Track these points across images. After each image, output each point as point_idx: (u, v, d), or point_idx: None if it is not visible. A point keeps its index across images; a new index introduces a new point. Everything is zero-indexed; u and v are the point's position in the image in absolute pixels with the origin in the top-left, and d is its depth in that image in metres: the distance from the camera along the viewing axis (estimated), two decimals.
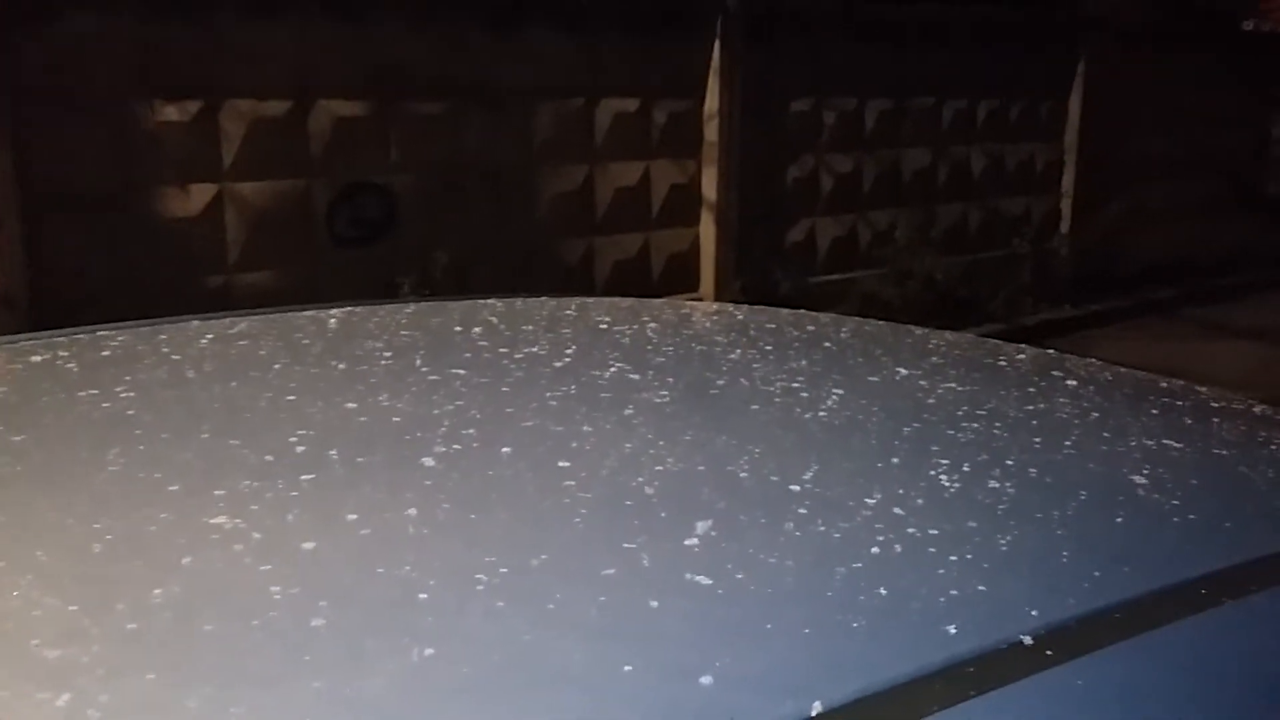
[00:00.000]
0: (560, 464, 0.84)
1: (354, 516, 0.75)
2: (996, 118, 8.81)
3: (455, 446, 0.87)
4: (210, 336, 1.24)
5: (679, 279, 7.04)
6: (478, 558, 0.69)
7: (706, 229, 7.13)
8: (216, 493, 0.78)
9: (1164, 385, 1.27)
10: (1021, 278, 8.50)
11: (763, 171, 7.35)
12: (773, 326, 1.41)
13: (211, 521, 0.74)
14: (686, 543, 0.71)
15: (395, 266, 5.69)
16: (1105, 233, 9.25)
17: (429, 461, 0.83)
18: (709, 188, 7.06)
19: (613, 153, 6.65)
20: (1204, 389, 1.28)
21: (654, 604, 0.65)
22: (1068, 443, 0.97)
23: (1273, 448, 1.07)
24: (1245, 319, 8.75)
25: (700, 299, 7.02)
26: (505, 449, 0.87)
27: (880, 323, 1.53)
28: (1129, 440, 1.00)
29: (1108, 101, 9.35)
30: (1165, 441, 0.99)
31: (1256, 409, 1.23)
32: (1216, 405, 1.21)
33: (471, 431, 0.91)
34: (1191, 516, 0.83)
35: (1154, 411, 1.15)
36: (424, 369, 1.09)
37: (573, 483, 0.81)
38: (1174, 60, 9.94)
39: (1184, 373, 5.17)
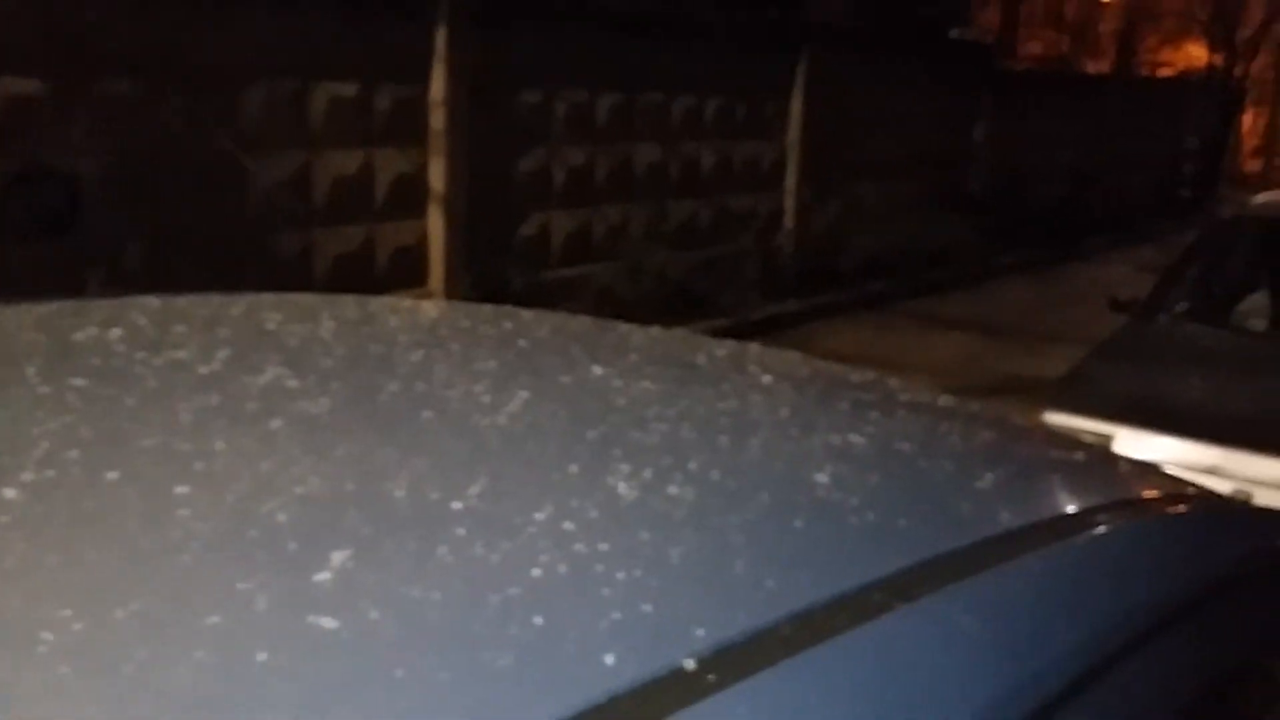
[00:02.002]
0: (178, 490, 0.72)
1: None
2: (724, 115, 8.99)
3: (48, 473, 0.74)
4: None
5: (406, 274, 6.76)
6: (47, 611, 0.58)
7: (435, 222, 6.88)
8: None
9: (855, 379, 1.26)
10: (750, 273, 8.71)
11: (493, 162, 7.17)
12: (467, 324, 1.31)
13: None
14: (316, 579, 0.63)
15: (82, 260, 5.14)
16: (827, 229, 9.62)
17: (9, 493, 0.70)
18: (436, 178, 6.81)
19: (331, 140, 6.29)
20: (895, 381, 1.27)
21: (262, 657, 0.56)
22: (755, 441, 0.93)
23: (953, 441, 1.06)
24: (956, 310, 9.31)
25: (429, 294, 6.76)
26: (112, 474, 0.75)
27: (585, 319, 1.45)
28: (815, 437, 0.97)
29: (827, 103, 9.74)
30: (850, 437, 0.96)
31: (941, 401, 1.22)
32: (904, 398, 1.19)
33: (74, 454, 0.77)
34: (870, 516, 0.81)
35: (843, 406, 1.13)
36: (34, 379, 0.93)
37: (188, 512, 0.69)
38: (888, 65, 10.49)
39: (901, 363, 5.36)
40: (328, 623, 0.59)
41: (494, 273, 6.97)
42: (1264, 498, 3.52)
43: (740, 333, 7.31)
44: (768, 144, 9.49)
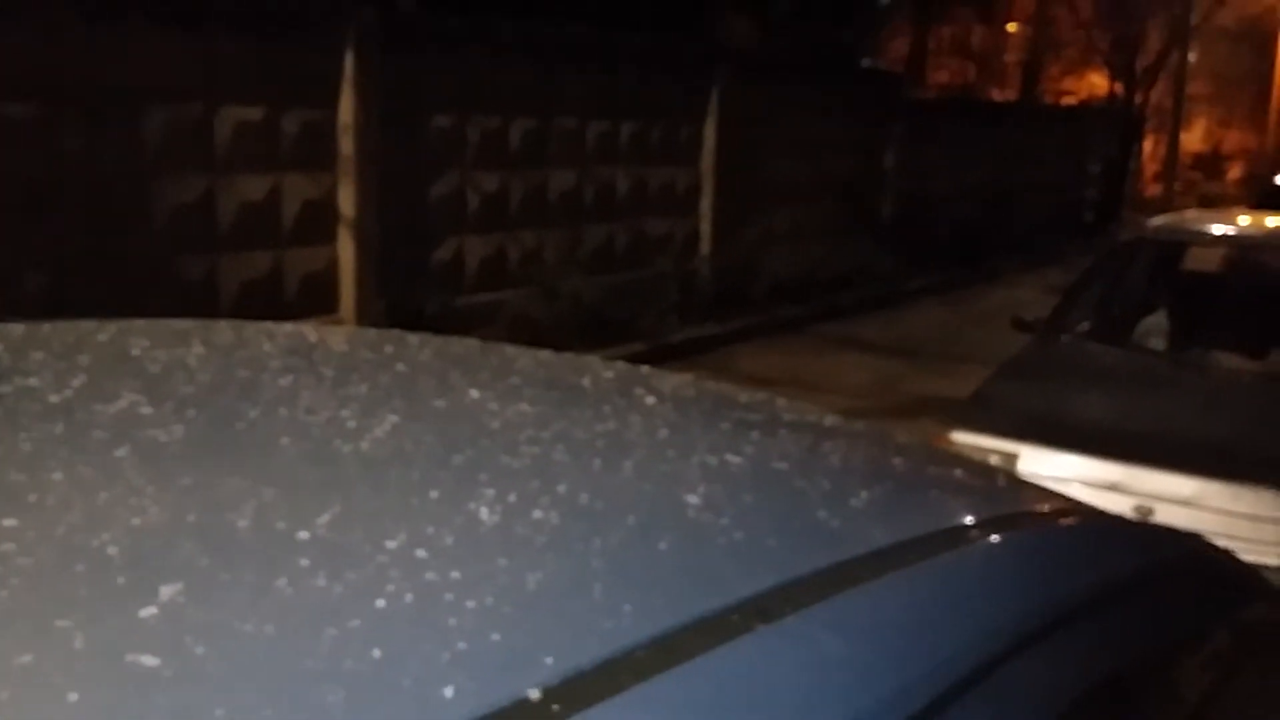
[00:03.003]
0: (4, 523, 0.69)
1: None
2: (638, 141, 9.03)
3: None
4: None
5: (316, 300, 6.65)
6: None
7: (345, 247, 6.78)
8: None
9: (742, 399, 1.25)
10: (666, 297, 8.74)
11: (405, 187, 7.10)
12: (344, 349, 1.29)
13: None
14: (142, 614, 0.60)
15: None
16: (742, 253, 9.69)
17: None
18: (346, 203, 6.72)
19: (236, 164, 6.17)
20: (782, 401, 1.27)
21: (73, 698, 0.54)
22: (628, 464, 0.92)
23: (831, 460, 1.06)
24: (870, 333, 9.43)
25: (340, 321, 6.66)
26: None
27: (471, 342, 1.42)
28: (691, 458, 0.95)
29: (741, 128, 9.84)
30: (728, 457, 0.95)
31: (826, 420, 1.22)
32: (788, 418, 1.19)
33: None
34: (737, 536, 0.79)
35: (724, 426, 1.12)
36: None
37: (12, 546, 0.66)
38: (800, 93, 10.64)
39: (817, 385, 5.38)
40: (148, 660, 0.57)
41: (407, 298, 6.89)
42: (1164, 512, 3.59)
43: (658, 356, 7.32)
44: (682, 169, 9.54)
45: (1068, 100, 23.52)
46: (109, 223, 5.63)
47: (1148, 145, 24.78)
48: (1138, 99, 20.80)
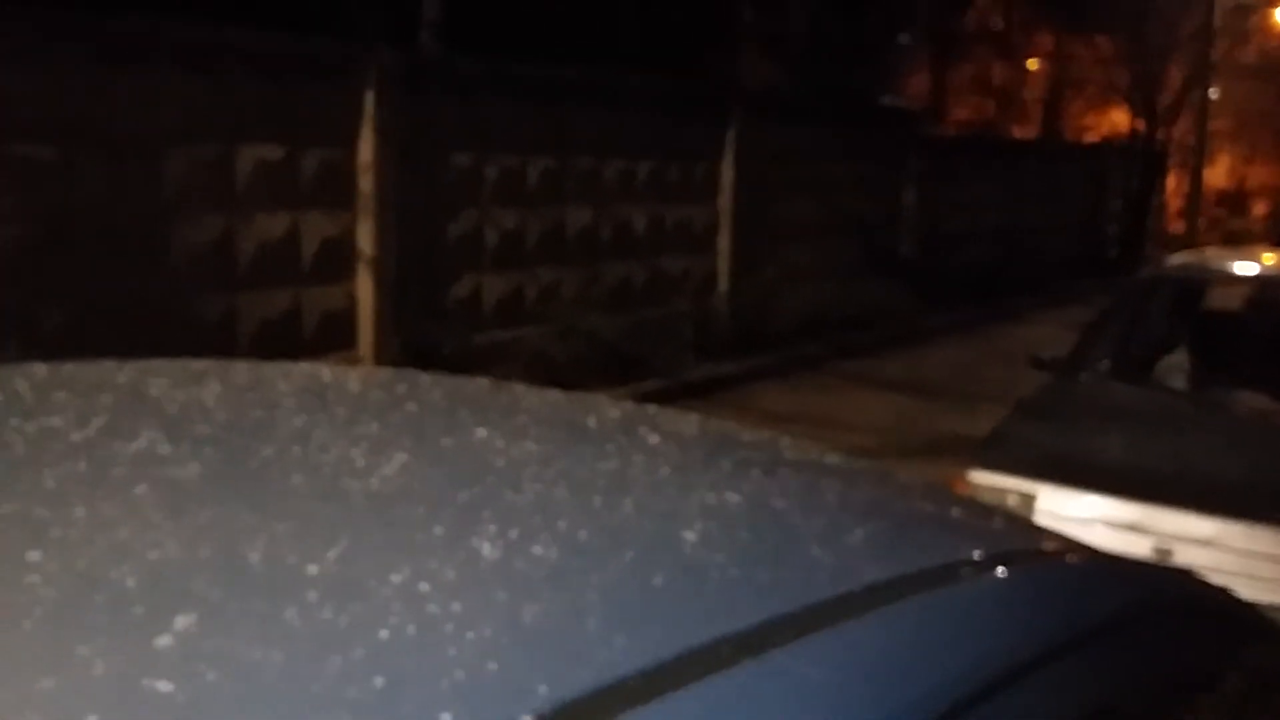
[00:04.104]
0: (30, 555, 0.73)
1: None
2: (656, 179, 9.08)
3: None
4: None
5: (335, 337, 6.69)
6: None
7: (364, 285, 6.83)
8: None
9: (746, 438, 1.29)
10: (683, 334, 8.75)
11: (423, 226, 7.15)
12: (358, 388, 1.34)
13: None
14: (157, 642, 0.64)
15: None
16: (760, 291, 9.70)
17: None
18: (365, 241, 6.78)
19: (256, 203, 6.23)
20: (787, 441, 1.29)
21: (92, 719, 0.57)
22: (628, 501, 0.95)
23: (829, 497, 1.09)
24: (887, 371, 9.40)
25: (358, 359, 6.69)
26: None
27: (482, 382, 1.46)
28: (690, 496, 0.98)
29: (758, 167, 9.88)
30: (726, 495, 0.99)
31: (828, 459, 1.25)
32: (789, 456, 1.23)
33: None
34: (732, 572, 0.82)
35: (725, 465, 1.14)
36: None
37: (37, 578, 0.70)
38: (818, 131, 10.69)
39: (834, 423, 5.34)
40: (163, 686, 0.60)
41: (425, 336, 6.92)
42: (1184, 553, 3.54)
43: (675, 394, 7.31)
44: (700, 207, 9.58)
45: (1089, 137, 23.52)
46: (129, 262, 5.70)
47: (1171, 182, 24.72)
48: (1160, 136, 20.77)
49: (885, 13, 13.07)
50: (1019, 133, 22.63)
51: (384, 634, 0.66)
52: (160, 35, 5.78)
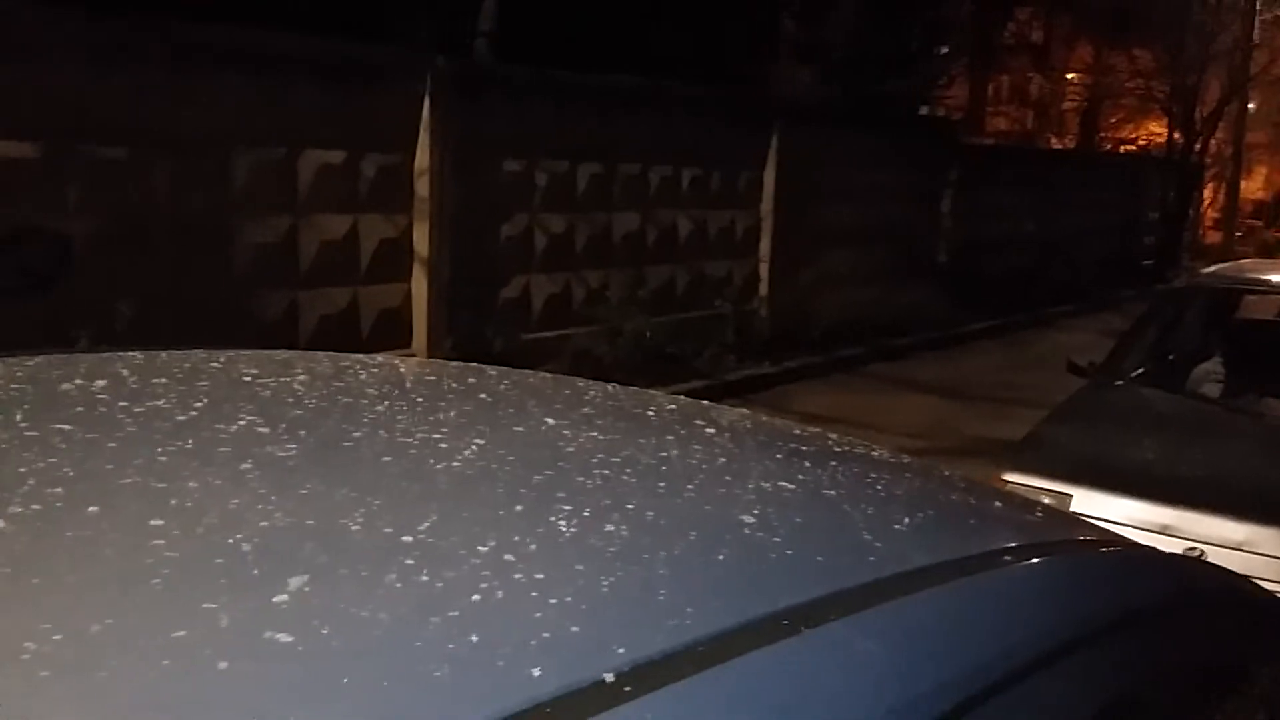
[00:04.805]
0: (153, 522, 0.79)
1: None
2: (700, 185, 9.23)
3: (34, 507, 0.81)
4: None
5: (390, 335, 6.89)
6: (29, 624, 0.65)
7: (419, 284, 7.03)
8: None
9: (796, 433, 1.34)
10: (725, 336, 8.89)
11: (476, 228, 7.35)
12: (432, 378, 1.39)
13: None
14: (275, 600, 0.70)
15: (70, 319, 5.25)
16: (799, 294, 9.83)
17: None
18: (421, 243, 6.98)
19: (318, 204, 6.45)
20: (834, 436, 1.35)
21: (223, 665, 0.63)
22: (690, 487, 1.00)
23: (878, 488, 1.14)
24: (924, 374, 9.50)
25: (412, 355, 6.89)
26: (93, 508, 0.82)
27: (545, 375, 1.53)
28: (747, 484, 1.04)
29: (799, 174, 10.01)
30: (781, 483, 1.04)
31: (874, 452, 1.31)
32: (838, 449, 1.28)
33: (59, 490, 0.84)
34: (789, 552, 0.88)
35: (778, 456, 1.20)
36: (22, 424, 1.00)
37: (162, 542, 0.76)
38: (858, 139, 10.79)
39: (871, 425, 5.48)
40: (283, 637, 0.65)
41: (475, 334, 7.11)
42: (1215, 556, 3.64)
43: (715, 394, 7.46)
44: (742, 212, 9.73)
45: (1126, 148, 23.42)
46: (197, 258, 5.89)
47: (1207, 193, 24.56)
48: (1197, 147, 20.69)
49: (925, 24, 13.15)
50: (1056, 144, 22.58)
51: (476, 597, 0.72)
52: (229, 42, 5.95)
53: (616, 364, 7.60)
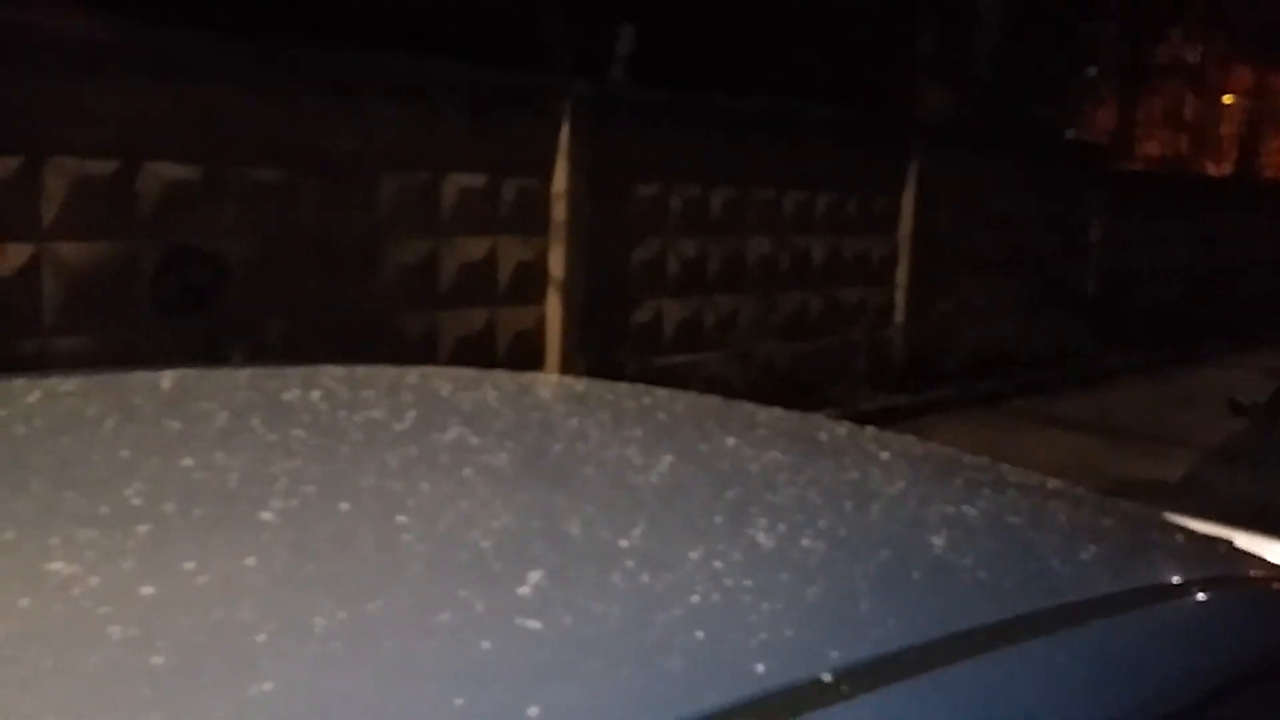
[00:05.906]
0: (398, 519, 0.86)
1: (191, 565, 0.76)
2: (835, 211, 9.12)
3: (293, 502, 0.89)
4: (38, 394, 1.19)
5: (524, 356, 6.98)
6: (314, 603, 0.72)
7: (553, 307, 7.11)
8: (51, 541, 0.79)
9: (968, 461, 1.38)
10: (858, 365, 8.75)
11: (610, 252, 7.41)
12: (611, 398, 1.46)
13: (48, 567, 0.74)
14: (519, 591, 0.75)
15: (225, 335, 5.46)
16: (937, 324, 9.61)
17: (266, 515, 0.85)
18: (556, 266, 7.06)
19: (459, 227, 6.59)
20: (1006, 466, 1.38)
21: (485, 645, 0.69)
22: (876, 507, 1.06)
23: (1058, 517, 1.18)
24: (1069, 410, 9.18)
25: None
26: (343, 505, 0.89)
27: (713, 397, 1.58)
28: (931, 508, 1.08)
29: (939, 200, 9.81)
30: (964, 509, 1.08)
31: (1050, 484, 1.34)
32: (1013, 480, 1.31)
33: (310, 489, 0.92)
34: (981, 574, 0.92)
35: (957, 483, 1.24)
36: (261, 429, 1.09)
37: (410, 537, 0.83)
38: (1001, 164, 10.53)
39: (1007, 458, 5.30)
40: (533, 624, 0.71)
41: (608, 357, 7.15)
42: None
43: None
44: (879, 239, 9.58)
45: None
46: (343, 278, 6.09)
47: None
48: None
49: (1071, 44, 12.78)
50: (1212, 169, 21.66)
51: (695, 599, 0.77)
52: (376, 68, 6.17)
53: (748, 390, 7.54)
